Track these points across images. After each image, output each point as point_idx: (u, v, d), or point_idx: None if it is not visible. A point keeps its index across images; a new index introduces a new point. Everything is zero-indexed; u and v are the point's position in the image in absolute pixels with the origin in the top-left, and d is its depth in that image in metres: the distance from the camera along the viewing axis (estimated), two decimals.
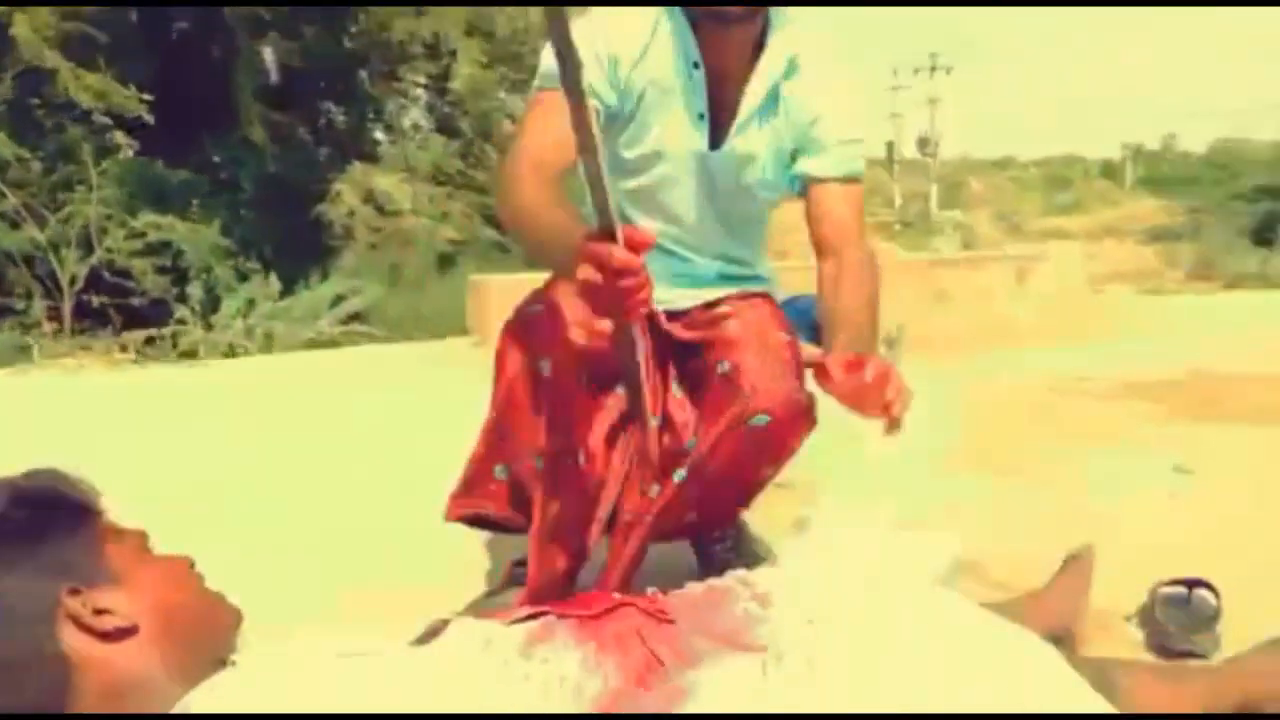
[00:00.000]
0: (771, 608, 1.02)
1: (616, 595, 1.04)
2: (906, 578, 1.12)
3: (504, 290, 4.66)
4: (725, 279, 1.55)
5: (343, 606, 1.72)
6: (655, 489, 1.42)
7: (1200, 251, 16.47)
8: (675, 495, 1.40)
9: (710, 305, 1.52)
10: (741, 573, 1.14)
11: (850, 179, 1.48)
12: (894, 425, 1.19)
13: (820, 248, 1.47)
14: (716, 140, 1.45)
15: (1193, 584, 1.61)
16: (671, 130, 1.42)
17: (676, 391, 1.50)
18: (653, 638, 0.92)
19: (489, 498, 1.45)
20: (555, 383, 1.36)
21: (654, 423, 1.48)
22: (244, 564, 1.88)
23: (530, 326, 1.41)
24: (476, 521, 1.51)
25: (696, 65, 1.39)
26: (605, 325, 1.38)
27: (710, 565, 1.66)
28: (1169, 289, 14.28)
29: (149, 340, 5.37)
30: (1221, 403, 3.38)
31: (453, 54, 7.51)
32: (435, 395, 3.77)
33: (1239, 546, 1.93)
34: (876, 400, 1.17)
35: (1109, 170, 55.09)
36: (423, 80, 8.39)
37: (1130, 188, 46.12)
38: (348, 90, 8.34)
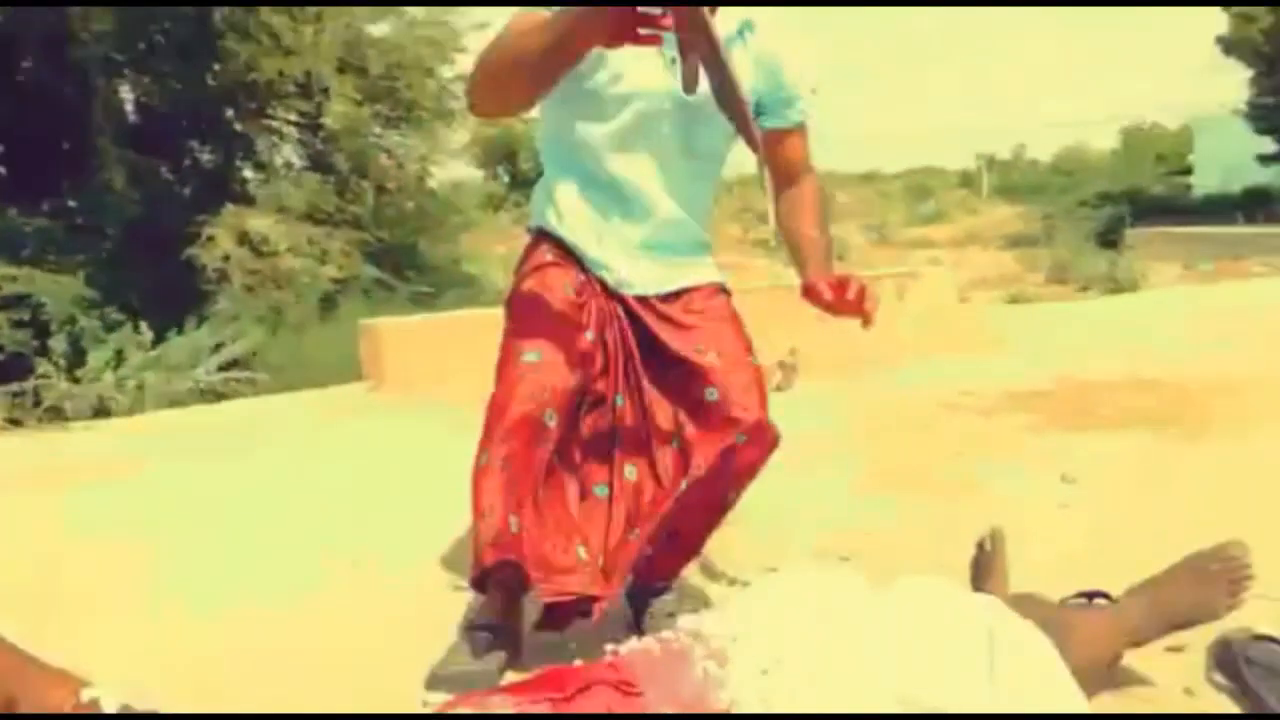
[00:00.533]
0: (729, 664, 1.06)
1: (580, 664, 1.06)
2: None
3: (397, 333, 4.60)
4: (678, 249, 1.72)
5: (272, 689, 1.68)
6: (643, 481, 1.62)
7: (1056, 256, 17.55)
8: (674, 505, 1.58)
9: (676, 296, 1.70)
10: (692, 623, 1.18)
11: (803, 125, 1.76)
12: (869, 322, 1.52)
13: (782, 181, 1.75)
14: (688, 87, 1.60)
15: (1093, 595, 1.75)
16: (646, 73, 1.57)
17: (653, 389, 1.66)
18: (624, 713, 0.95)
19: (511, 549, 1.48)
20: (560, 431, 1.54)
21: (620, 401, 1.64)
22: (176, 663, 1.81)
23: (530, 378, 1.52)
24: (501, 568, 1.51)
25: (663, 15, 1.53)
26: (590, 336, 1.57)
27: (648, 617, 1.71)
28: (1030, 293, 15.15)
29: (13, 399, 5.03)
30: (1092, 410, 3.64)
31: (325, 91, 7.36)
32: (344, 452, 3.64)
33: (1128, 553, 2.09)
34: (857, 309, 1.51)
35: (966, 180, 58.10)
36: (294, 117, 8.18)
37: (987, 196, 48.77)
38: (214, 128, 8.05)
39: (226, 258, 7.44)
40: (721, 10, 1.55)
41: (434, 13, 8.34)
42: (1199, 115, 29.81)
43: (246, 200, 7.85)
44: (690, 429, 1.62)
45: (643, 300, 1.68)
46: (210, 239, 7.32)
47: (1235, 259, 15.90)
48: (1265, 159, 22.23)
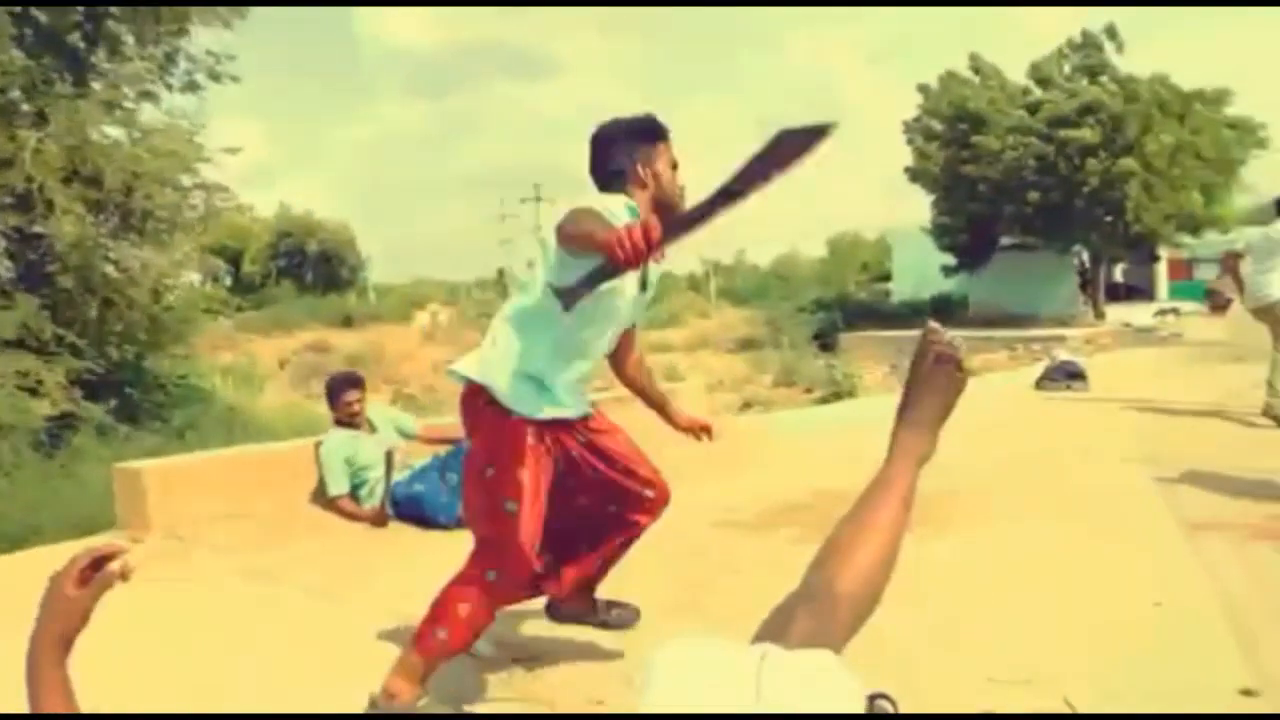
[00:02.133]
0: None
1: None
2: None
3: (162, 478, 4.40)
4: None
5: None
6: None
7: (782, 359, 19.34)
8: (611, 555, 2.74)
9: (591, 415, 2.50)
10: None
11: None
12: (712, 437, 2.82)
13: (630, 353, 2.71)
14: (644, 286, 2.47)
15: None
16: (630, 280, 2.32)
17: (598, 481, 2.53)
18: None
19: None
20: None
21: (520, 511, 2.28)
22: None
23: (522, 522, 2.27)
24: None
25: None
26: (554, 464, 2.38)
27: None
28: (762, 396, 16.55)
29: None
30: None
31: (49, 204, 6.88)
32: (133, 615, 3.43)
33: (901, 651, 2.55)
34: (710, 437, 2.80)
35: (695, 284, 62.38)
36: (2, 228, 7.51)
37: (715, 300, 52.60)
38: None
39: None
40: None
41: (173, 124, 8.10)
42: (895, 229, 34.21)
43: None
44: (623, 509, 2.59)
45: (584, 420, 2.45)
46: None
47: None
48: (947, 270, 25.95)
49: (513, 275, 35.79)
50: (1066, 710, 2.26)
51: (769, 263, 66.63)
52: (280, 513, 4.49)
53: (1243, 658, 2.57)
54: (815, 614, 1.51)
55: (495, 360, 2.28)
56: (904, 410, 1.73)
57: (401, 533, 4.48)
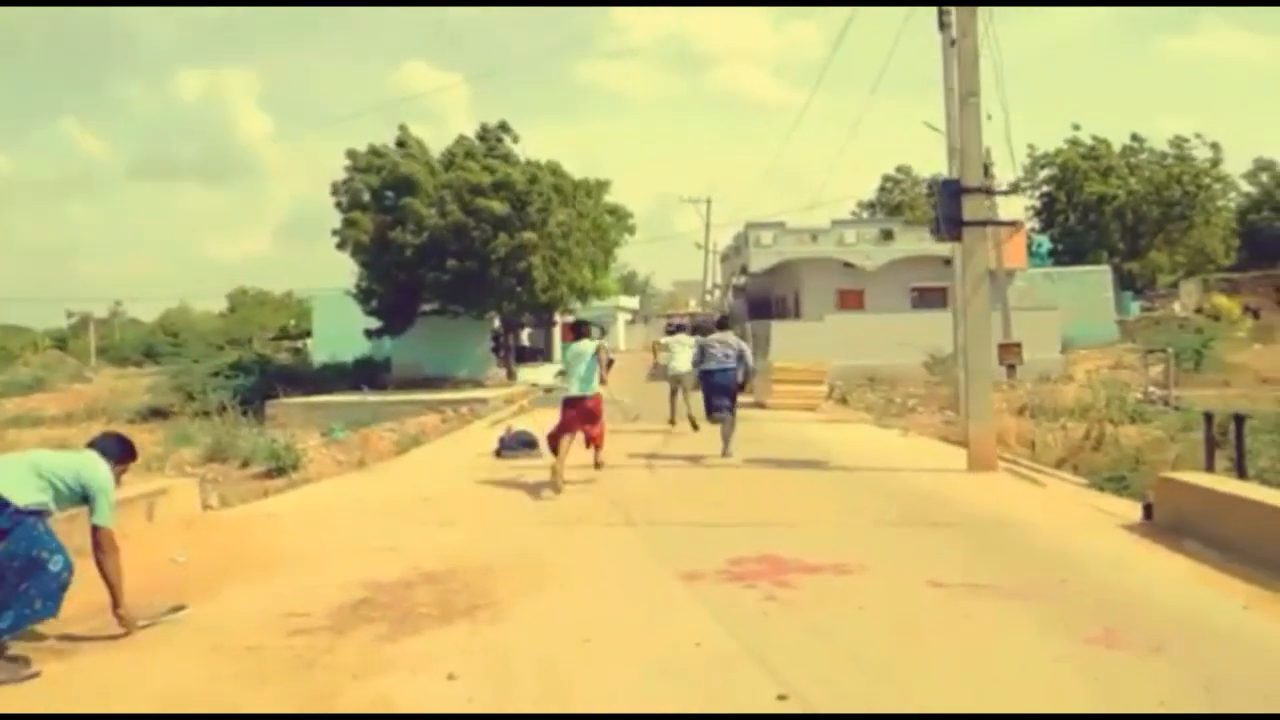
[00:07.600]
0: None
1: None
2: None
3: None
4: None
5: None
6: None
7: (213, 432, 18.19)
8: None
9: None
10: None
11: None
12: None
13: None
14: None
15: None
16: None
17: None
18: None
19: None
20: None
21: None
22: None
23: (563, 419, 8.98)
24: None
25: None
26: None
27: None
28: (197, 474, 15.48)
29: None
30: (414, 610, 4.68)
31: None
32: None
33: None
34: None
35: (60, 339, 54.57)
36: None
37: (95, 361, 46.80)
38: None
39: None
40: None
41: None
42: (314, 290, 34.44)
43: None
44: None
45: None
46: None
47: (365, 425, 18.88)
48: (370, 333, 27.03)
49: None
50: None
51: (155, 316, 61.35)
52: None
53: (765, 674, 3.71)
54: None
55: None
56: None
57: None
